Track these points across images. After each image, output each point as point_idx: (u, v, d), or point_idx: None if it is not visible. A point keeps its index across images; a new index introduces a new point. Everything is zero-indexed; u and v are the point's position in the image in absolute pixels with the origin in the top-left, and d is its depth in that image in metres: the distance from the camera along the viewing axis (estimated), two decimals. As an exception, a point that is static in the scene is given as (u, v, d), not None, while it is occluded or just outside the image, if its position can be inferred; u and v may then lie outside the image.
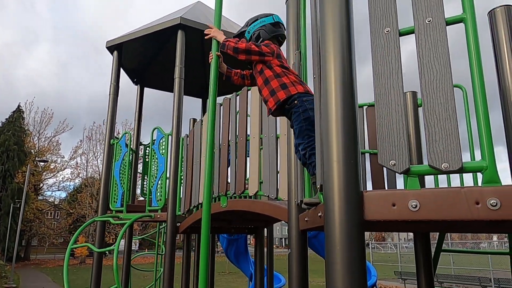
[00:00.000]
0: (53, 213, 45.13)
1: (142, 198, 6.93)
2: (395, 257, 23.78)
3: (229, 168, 4.04)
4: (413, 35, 1.33)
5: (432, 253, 2.87)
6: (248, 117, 3.89)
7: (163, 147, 5.31)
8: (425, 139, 1.23)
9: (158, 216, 5.09)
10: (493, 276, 14.99)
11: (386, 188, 3.11)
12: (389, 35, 1.35)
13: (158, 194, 5.19)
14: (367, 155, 3.31)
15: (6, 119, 33.46)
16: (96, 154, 33.81)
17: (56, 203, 41.11)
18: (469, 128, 2.98)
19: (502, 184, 1.16)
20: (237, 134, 3.96)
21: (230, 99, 4.15)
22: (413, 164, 1.80)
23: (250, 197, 3.72)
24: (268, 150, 3.49)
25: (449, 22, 1.30)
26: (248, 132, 3.83)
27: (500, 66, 1.60)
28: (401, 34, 1.35)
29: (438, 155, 1.19)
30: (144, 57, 7.20)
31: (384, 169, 3.09)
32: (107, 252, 14.96)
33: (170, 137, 5.19)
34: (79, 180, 36.84)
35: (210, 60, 2.62)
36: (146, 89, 7.67)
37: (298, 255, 2.19)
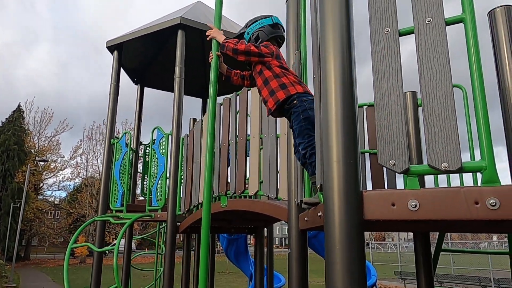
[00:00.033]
0: (53, 213, 45.13)
1: (142, 198, 6.93)
2: (395, 257, 23.79)
3: (229, 168, 4.05)
4: (413, 35, 1.33)
5: (432, 253, 2.88)
6: (248, 117, 3.90)
7: (163, 146, 5.32)
8: (424, 139, 1.24)
9: (158, 215, 5.09)
10: (493, 276, 14.99)
11: (386, 188, 3.11)
12: (389, 35, 1.35)
13: (158, 193, 5.20)
14: (367, 155, 3.31)
15: (6, 118, 33.45)
16: (96, 153, 33.83)
17: (56, 202, 41.11)
18: (469, 128, 2.98)
19: (502, 184, 1.16)
20: (237, 134, 3.96)
21: (230, 99, 4.15)
22: (413, 164, 1.81)
23: (250, 196, 3.72)
24: (268, 150, 3.49)
25: (449, 22, 1.30)
26: (248, 132, 3.84)
27: (500, 66, 1.61)
28: (401, 34, 1.36)
29: (438, 155, 1.19)
30: (144, 57, 7.20)
31: (384, 169, 3.10)
32: (107, 251, 14.96)
33: (170, 136, 5.20)
34: (79, 180, 36.87)
35: (210, 60, 2.63)
36: (146, 89, 7.68)
37: (298, 255, 2.19)
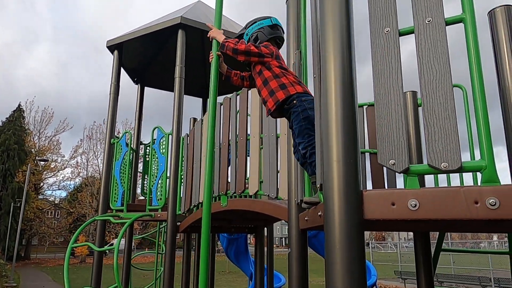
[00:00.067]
0: (53, 212, 45.16)
1: (142, 198, 6.93)
2: (395, 257, 23.79)
3: (229, 168, 4.05)
4: (413, 35, 1.33)
5: (432, 253, 2.88)
6: (248, 116, 3.90)
7: (164, 146, 5.32)
8: (424, 138, 1.24)
9: (159, 215, 5.10)
10: (493, 275, 14.99)
11: (386, 187, 3.11)
12: (389, 35, 1.36)
13: (159, 193, 5.20)
14: (367, 154, 3.31)
15: (6, 118, 33.44)
16: (96, 153, 33.85)
17: (56, 202, 41.16)
18: (469, 128, 2.98)
19: (501, 183, 1.16)
20: (237, 133, 3.97)
21: (230, 98, 4.15)
22: (413, 163, 1.81)
23: (250, 196, 3.73)
24: (268, 149, 3.50)
25: (449, 22, 1.30)
26: (249, 132, 3.84)
27: (500, 66, 1.61)
28: (401, 34, 1.36)
29: (438, 155, 1.20)
30: (145, 56, 7.20)
31: (384, 168, 3.10)
32: (107, 251, 14.97)
33: (170, 136, 5.20)
34: (79, 179, 36.90)
35: (210, 60, 2.64)
36: (146, 89, 7.68)
37: (298, 254, 2.19)
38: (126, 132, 5.85)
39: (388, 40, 1.35)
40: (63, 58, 79.28)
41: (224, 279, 19.27)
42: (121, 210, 5.37)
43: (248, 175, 3.76)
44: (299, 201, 2.17)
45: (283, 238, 62.98)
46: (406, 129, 1.27)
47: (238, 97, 4.05)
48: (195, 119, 5.67)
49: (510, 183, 1.42)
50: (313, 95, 2.26)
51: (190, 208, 4.75)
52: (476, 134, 1.24)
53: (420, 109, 2.90)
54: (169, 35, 6.03)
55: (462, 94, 3.06)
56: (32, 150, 34.59)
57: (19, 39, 70.26)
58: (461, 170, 1.18)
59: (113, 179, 5.62)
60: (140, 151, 6.54)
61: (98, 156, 33.32)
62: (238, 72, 2.80)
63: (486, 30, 1.69)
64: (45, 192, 38.09)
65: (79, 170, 35.60)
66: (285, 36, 2.65)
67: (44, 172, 35.65)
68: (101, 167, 6.29)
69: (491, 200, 1.10)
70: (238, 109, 4.05)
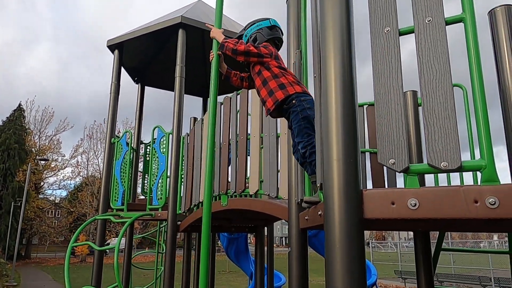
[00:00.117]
0: (53, 212, 45.19)
1: (142, 197, 6.94)
2: (396, 256, 23.79)
3: (229, 167, 4.05)
4: (413, 34, 1.34)
5: (432, 252, 2.88)
6: (248, 116, 3.90)
7: (164, 146, 5.32)
8: (424, 138, 1.24)
9: (159, 214, 5.10)
10: (493, 275, 14.99)
11: (386, 187, 3.11)
12: (389, 34, 1.36)
13: (159, 192, 5.20)
14: (367, 154, 3.32)
15: (7, 117, 33.42)
16: (96, 152, 33.86)
17: (56, 201, 41.16)
18: (469, 127, 2.98)
19: (501, 183, 1.16)
20: (237, 133, 3.97)
21: (230, 98, 4.15)
22: (413, 163, 1.81)
23: (251, 196, 3.73)
24: (269, 149, 3.50)
25: (449, 22, 1.30)
26: (249, 131, 3.84)
27: (500, 66, 1.61)
28: (401, 33, 1.36)
29: (437, 154, 1.20)
30: (145, 56, 7.20)
31: (384, 168, 3.10)
32: (107, 250, 14.97)
33: (170, 136, 5.20)
34: (79, 179, 36.91)
35: (210, 59, 2.64)
36: (147, 88, 7.69)
37: (298, 254, 2.19)
38: (126, 132, 5.86)
39: (388, 39, 1.35)
40: (63, 58, 79.36)
41: (225, 278, 19.28)
42: (122, 210, 5.37)
43: (248, 175, 3.76)
44: (299, 200, 2.17)
45: (283, 238, 63.00)
46: (406, 129, 1.27)
47: (238, 96, 4.06)
48: (195, 119, 5.67)
49: (510, 182, 1.42)
50: (312, 95, 2.27)
51: (190, 208, 4.75)
52: (476, 134, 1.25)
53: (420, 108, 2.90)
54: (169, 34, 6.03)
55: (462, 93, 3.06)
56: (33, 149, 34.60)
57: (19, 39, 70.30)
58: (461, 169, 1.19)
59: (114, 178, 5.62)
60: (141, 151, 6.54)
61: (99, 155, 33.37)
62: (238, 72, 2.80)
63: (486, 30, 1.69)
64: (46, 191, 38.15)
65: (80, 170, 35.66)
66: (285, 35, 2.65)
67: (45, 172, 35.65)
68: (102, 167, 6.30)
69: (491, 200, 1.10)
70: (238, 108, 4.05)
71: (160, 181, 5.24)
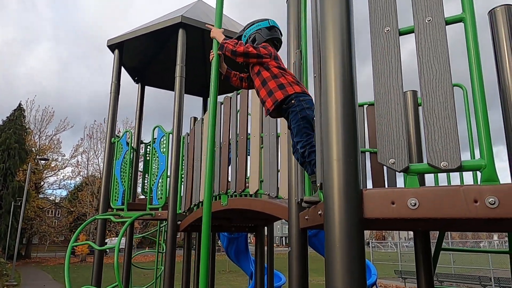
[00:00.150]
0: (54, 211, 45.18)
1: (143, 197, 6.94)
2: (396, 256, 23.79)
3: (229, 167, 4.05)
4: (413, 34, 1.34)
5: (432, 252, 2.88)
6: (248, 115, 3.90)
7: (164, 145, 5.33)
8: (424, 137, 1.24)
9: (159, 214, 5.11)
10: (493, 275, 14.99)
11: (386, 186, 3.12)
12: (389, 34, 1.36)
13: (159, 192, 5.21)
14: (367, 153, 3.32)
15: (7, 117, 33.41)
16: (97, 152, 33.88)
17: (57, 201, 41.17)
18: (469, 127, 2.98)
19: (501, 182, 1.16)
20: (237, 132, 3.97)
21: (231, 97, 4.16)
22: (413, 162, 1.81)
23: (251, 195, 3.73)
24: (269, 148, 3.50)
25: (449, 22, 1.30)
26: (249, 131, 3.84)
27: (500, 66, 1.61)
28: (401, 33, 1.36)
29: (437, 154, 1.20)
30: (145, 55, 7.20)
31: (385, 167, 3.10)
32: (107, 250, 14.97)
33: (171, 135, 5.21)
34: (80, 179, 36.92)
35: (211, 59, 2.64)
36: (147, 88, 7.69)
37: (298, 253, 2.20)
38: (126, 131, 5.86)
39: (388, 39, 1.35)
40: (63, 58, 79.36)
41: (225, 278, 19.29)
42: (122, 209, 5.37)
43: (248, 174, 3.76)
44: (299, 200, 2.17)
45: (283, 237, 63.01)
46: (406, 128, 1.27)
47: (238, 96, 4.06)
48: (195, 118, 5.67)
49: (510, 182, 1.42)
50: (311, 95, 2.27)
51: (190, 207, 4.76)
52: (476, 134, 1.25)
53: (420, 108, 2.90)
54: (169, 34, 6.03)
55: (462, 93, 3.06)
56: (33, 149, 34.61)
57: (20, 39, 70.30)
58: (460, 169, 1.19)
59: (114, 178, 5.62)
60: (141, 150, 6.54)
61: (99, 155, 33.39)
62: (238, 73, 2.81)
63: (486, 30, 1.69)
64: (46, 191, 38.14)
65: (80, 169, 35.67)
66: (285, 35, 2.65)
67: (45, 171, 35.65)
68: (102, 166, 6.30)
69: (491, 199, 1.10)
70: (238, 108, 4.05)
71: (160, 180, 5.24)
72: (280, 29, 2.71)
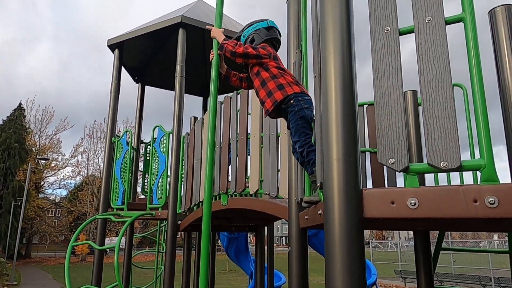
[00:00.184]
0: (54, 211, 45.18)
1: (143, 196, 6.94)
2: (396, 256, 23.79)
3: (229, 166, 4.06)
4: (413, 34, 1.34)
5: (432, 252, 2.88)
6: (249, 115, 3.91)
7: (164, 145, 5.33)
8: (424, 137, 1.24)
9: (159, 214, 5.11)
10: (493, 275, 14.99)
11: (386, 186, 3.12)
12: (389, 34, 1.36)
13: (159, 192, 5.21)
14: (367, 153, 3.32)
15: (7, 117, 33.42)
16: (97, 152, 33.89)
17: (57, 201, 41.18)
18: (469, 127, 2.98)
19: (500, 182, 1.17)
20: (237, 132, 3.97)
21: (231, 97, 4.16)
22: (413, 162, 1.81)
23: (251, 195, 3.73)
24: (269, 148, 3.50)
25: (449, 22, 1.30)
26: (249, 131, 3.85)
27: (500, 66, 1.61)
28: (401, 33, 1.36)
29: (437, 154, 1.20)
30: (145, 55, 7.21)
31: (384, 167, 3.10)
32: (107, 250, 14.98)
33: (171, 135, 5.21)
34: (80, 178, 36.92)
35: (211, 58, 2.64)
36: (147, 87, 7.69)
37: (298, 253, 2.20)
38: (126, 131, 5.86)
39: (388, 39, 1.35)
40: (63, 57, 79.32)
41: (225, 278, 19.29)
42: (122, 209, 5.38)
43: (248, 174, 3.76)
44: (299, 200, 2.17)
45: (283, 237, 63.02)
46: (406, 128, 1.27)
47: (238, 96, 4.06)
48: (195, 118, 5.67)
49: (510, 182, 1.42)
50: (311, 95, 2.27)
51: (190, 207, 4.76)
52: (476, 133, 1.25)
53: (420, 108, 2.90)
54: (169, 34, 6.03)
55: (462, 93, 3.06)
56: (33, 148, 34.61)
57: (20, 38, 70.28)
58: (460, 169, 1.19)
59: (114, 177, 5.63)
60: (141, 150, 6.54)
61: (99, 155, 33.40)
62: (237, 73, 2.81)
63: (486, 30, 1.69)
64: (46, 190, 38.15)
65: (80, 169, 35.68)
66: (285, 35, 2.65)
67: (45, 171, 35.66)
68: (102, 166, 6.30)
69: (490, 199, 1.10)
70: (238, 108, 4.05)
71: (160, 180, 5.24)
72: (279, 30, 2.71)
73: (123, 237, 4.69)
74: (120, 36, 6.01)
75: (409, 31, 1.35)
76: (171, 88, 5.62)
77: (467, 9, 1.28)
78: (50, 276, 21.44)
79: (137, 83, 7.58)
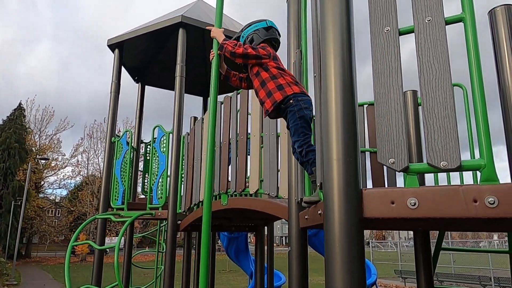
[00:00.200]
0: (54, 211, 45.19)
1: (143, 196, 6.94)
2: (396, 256, 23.79)
3: (229, 166, 4.06)
4: (413, 34, 1.34)
5: (432, 252, 2.88)
6: (249, 115, 3.91)
7: (164, 145, 5.33)
8: (424, 137, 1.24)
9: (159, 214, 5.11)
10: (493, 275, 14.99)
11: (386, 186, 3.12)
12: (389, 34, 1.36)
13: (159, 192, 5.21)
14: (367, 153, 3.32)
15: (7, 116, 33.42)
16: (97, 152, 33.91)
17: (57, 200, 41.18)
18: (469, 127, 2.98)
19: (500, 182, 1.17)
20: (238, 132, 3.97)
21: (231, 97, 4.16)
22: (413, 162, 1.82)
23: (251, 195, 3.73)
24: (269, 148, 3.50)
25: (449, 22, 1.30)
26: (249, 130, 3.85)
27: (500, 66, 1.61)
28: (401, 33, 1.36)
29: (437, 154, 1.20)
30: (145, 55, 7.20)
31: (384, 167, 3.10)
32: (107, 249, 14.98)
33: (171, 135, 5.21)
34: (80, 178, 36.93)
35: (211, 58, 2.64)
36: (147, 87, 7.69)
37: (298, 253, 2.20)
38: (126, 131, 5.86)
39: (388, 39, 1.35)
40: (63, 57, 79.36)
41: (225, 277, 19.30)
42: (122, 209, 5.38)
43: (248, 174, 3.76)
44: (299, 199, 2.17)
45: (283, 237, 63.02)
46: (406, 128, 1.27)
47: (238, 96, 4.06)
48: (195, 118, 5.67)
49: (510, 182, 1.42)
50: (310, 95, 2.27)
51: (190, 207, 4.76)
52: (476, 133, 1.25)
53: (420, 108, 2.90)
54: (169, 33, 6.03)
55: (462, 93, 3.06)
56: (33, 148, 34.61)
57: (20, 38, 70.28)
58: (460, 169, 1.19)
59: (114, 177, 5.63)
60: (141, 150, 6.55)
61: (99, 154, 33.41)
62: (237, 73, 2.81)
63: (486, 30, 1.70)
64: (46, 190, 38.15)
65: (80, 169, 35.69)
66: (285, 35, 2.65)
67: (45, 171, 35.67)
68: (102, 166, 6.30)
69: (490, 199, 1.10)
70: (238, 108, 4.05)
71: (160, 180, 5.24)
72: (278, 30, 2.71)
73: (123, 237, 4.69)
74: (120, 36, 6.01)
75: (409, 31, 1.36)
76: (171, 88, 5.62)
77: (467, 9, 1.28)
78: (50, 276, 21.44)
79: (137, 83, 7.58)
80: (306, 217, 2.03)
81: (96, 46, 77.46)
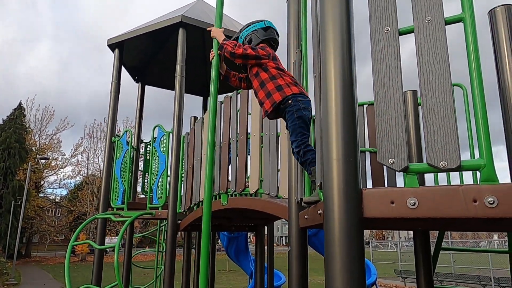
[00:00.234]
0: (54, 211, 45.18)
1: (143, 196, 6.94)
2: (395, 256, 23.78)
3: (229, 166, 4.06)
4: (413, 34, 1.34)
5: (432, 252, 2.88)
6: (249, 115, 3.91)
7: (164, 145, 5.33)
8: (424, 137, 1.24)
9: (159, 213, 5.11)
10: (493, 275, 14.99)
11: (386, 186, 3.12)
12: (388, 34, 1.36)
13: (159, 191, 5.21)
14: (367, 153, 3.32)
15: (7, 116, 33.42)
16: (97, 151, 33.91)
17: (57, 200, 41.18)
18: (469, 127, 2.99)
19: (500, 182, 1.17)
20: (238, 132, 3.97)
21: (231, 97, 4.16)
22: (413, 162, 1.82)
23: (251, 195, 3.73)
24: (269, 148, 3.50)
25: (448, 22, 1.30)
26: (249, 130, 3.85)
27: (500, 66, 1.61)
28: (401, 33, 1.36)
29: (437, 153, 1.20)
30: (145, 55, 7.20)
31: (384, 167, 3.10)
32: (107, 249, 14.98)
33: (171, 135, 5.21)
34: (80, 178, 36.94)
35: (211, 58, 2.65)
36: (147, 87, 7.69)
37: (298, 253, 2.20)
38: (126, 131, 5.86)
39: (388, 39, 1.35)
40: (63, 57, 79.38)
41: (225, 277, 19.29)
42: (122, 208, 5.38)
43: (248, 174, 3.77)
44: (299, 199, 2.17)
45: (283, 237, 63.02)
46: (405, 128, 1.27)
47: (238, 95, 4.06)
48: (195, 118, 5.67)
49: (510, 182, 1.42)
50: (309, 96, 2.28)
51: (190, 207, 4.76)
52: (476, 133, 1.25)
53: (420, 108, 2.90)
54: (169, 33, 6.03)
55: (462, 93, 3.07)
56: (33, 148, 34.60)
57: (20, 38, 70.27)
58: (460, 169, 1.19)
59: (114, 177, 5.63)
60: (141, 150, 6.55)
61: (99, 154, 33.42)
62: (237, 73, 2.82)
63: (486, 30, 1.70)
64: (46, 190, 38.13)
65: (80, 169, 35.70)
66: (285, 35, 2.65)
67: (45, 171, 35.67)
68: (102, 166, 6.30)
69: (490, 199, 1.10)
70: (238, 107, 4.05)
71: (160, 180, 5.24)
72: (277, 30, 2.71)
73: (123, 237, 4.69)
74: (120, 36, 6.01)
75: (409, 31, 1.36)
76: (171, 88, 5.62)
77: (467, 9, 1.28)
78: (50, 275, 21.44)
79: (137, 82, 7.58)
80: (306, 217, 2.03)
81: (96, 46, 77.48)
